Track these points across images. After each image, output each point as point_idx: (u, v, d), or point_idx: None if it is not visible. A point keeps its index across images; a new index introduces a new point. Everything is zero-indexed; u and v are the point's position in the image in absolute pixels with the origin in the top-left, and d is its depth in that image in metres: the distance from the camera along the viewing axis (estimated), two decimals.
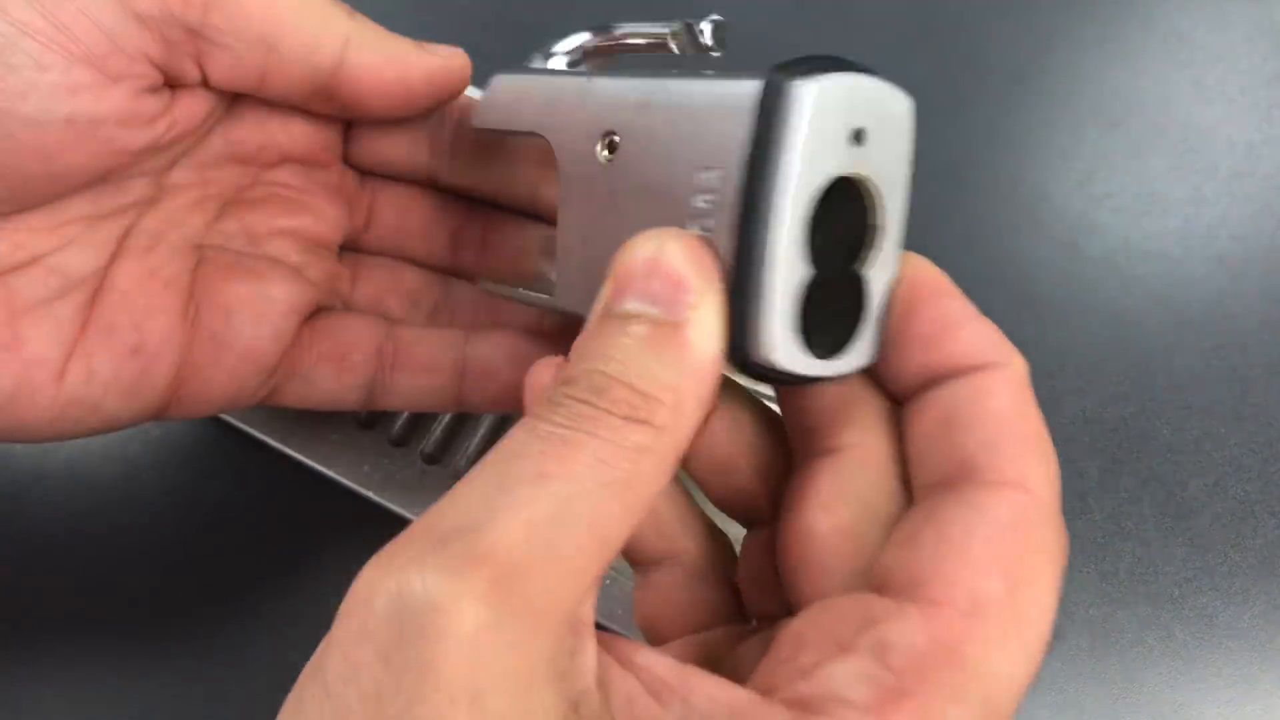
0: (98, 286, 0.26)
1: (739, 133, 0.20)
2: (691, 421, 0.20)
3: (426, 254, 0.32)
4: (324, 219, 0.30)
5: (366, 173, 0.31)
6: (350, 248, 0.31)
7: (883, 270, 0.21)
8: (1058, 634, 0.34)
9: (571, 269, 0.25)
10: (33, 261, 0.25)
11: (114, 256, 0.27)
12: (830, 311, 0.21)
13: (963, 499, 0.20)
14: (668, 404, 0.19)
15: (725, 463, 0.24)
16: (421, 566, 0.16)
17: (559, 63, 0.29)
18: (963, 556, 0.19)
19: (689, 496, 0.25)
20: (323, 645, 0.18)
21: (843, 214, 0.21)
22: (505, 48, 0.33)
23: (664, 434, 0.19)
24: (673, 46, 0.27)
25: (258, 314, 0.28)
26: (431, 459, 0.35)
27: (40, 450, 0.36)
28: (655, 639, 0.24)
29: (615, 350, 0.19)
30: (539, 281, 0.29)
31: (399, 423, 0.35)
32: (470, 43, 0.29)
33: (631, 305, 0.20)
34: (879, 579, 0.20)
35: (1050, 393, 0.37)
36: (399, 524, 0.35)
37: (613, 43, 0.29)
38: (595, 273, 0.22)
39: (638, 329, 0.20)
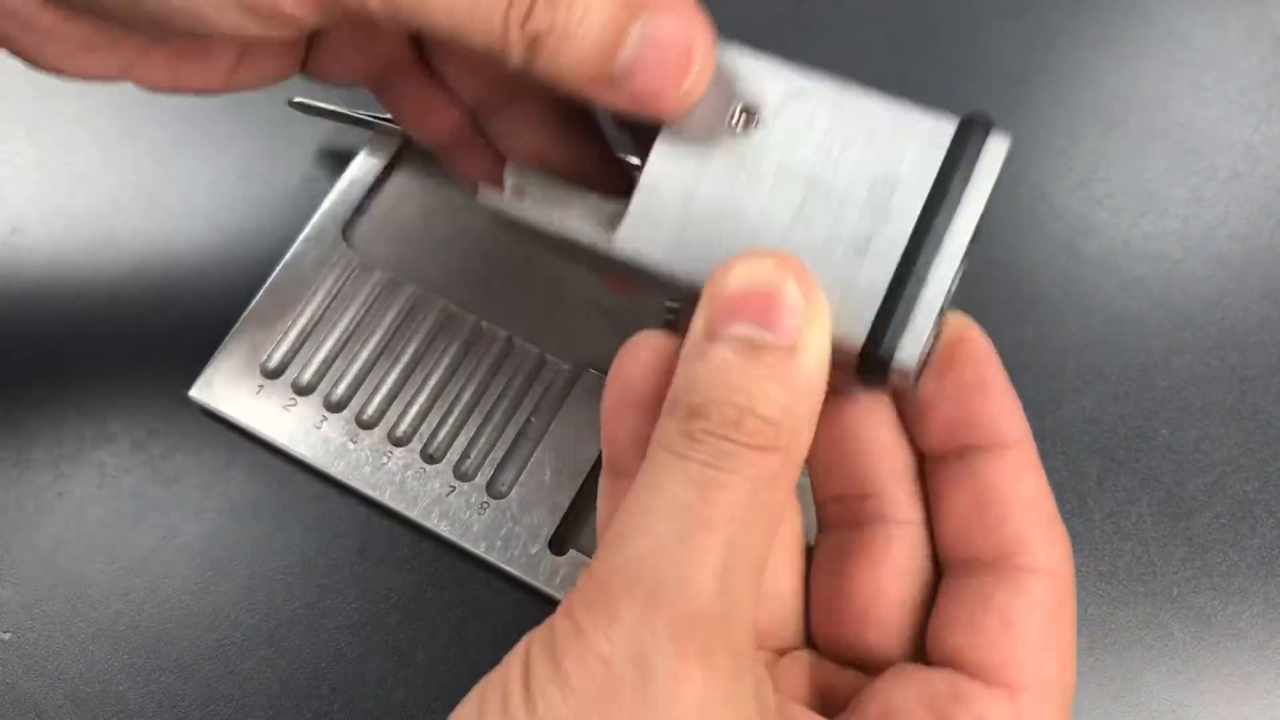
0: None
1: (929, 163, 0.23)
2: (805, 440, 0.21)
3: None
4: None
5: None
6: None
7: (954, 277, 0.24)
8: None
9: (652, 216, 0.24)
10: None
11: None
12: None
13: (1011, 585, 0.23)
14: (788, 426, 0.21)
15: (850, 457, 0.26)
16: (651, 630, 0.19)
17: None
18: (1026, 642, 0.22)
19: None
20: (535, 673, 0.20)
21: None
22: None
23: (790, 456, 0.21)
24: None
25: None
26: (431, 458, 0.35)
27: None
28: None
29: (739, 378, 0.21)
30: (522, 200, 0.26)
31: (399, 422, 0.35)
32: None
33: (743, 330, 0.21)
34: (949, 655, 0.23)
35: (1049, 393, 0.37)
36: (397, 522, 0.36)
37: None
38: (689, 230, 0.24)
39: (757, 356, 0.21)
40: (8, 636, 0.34)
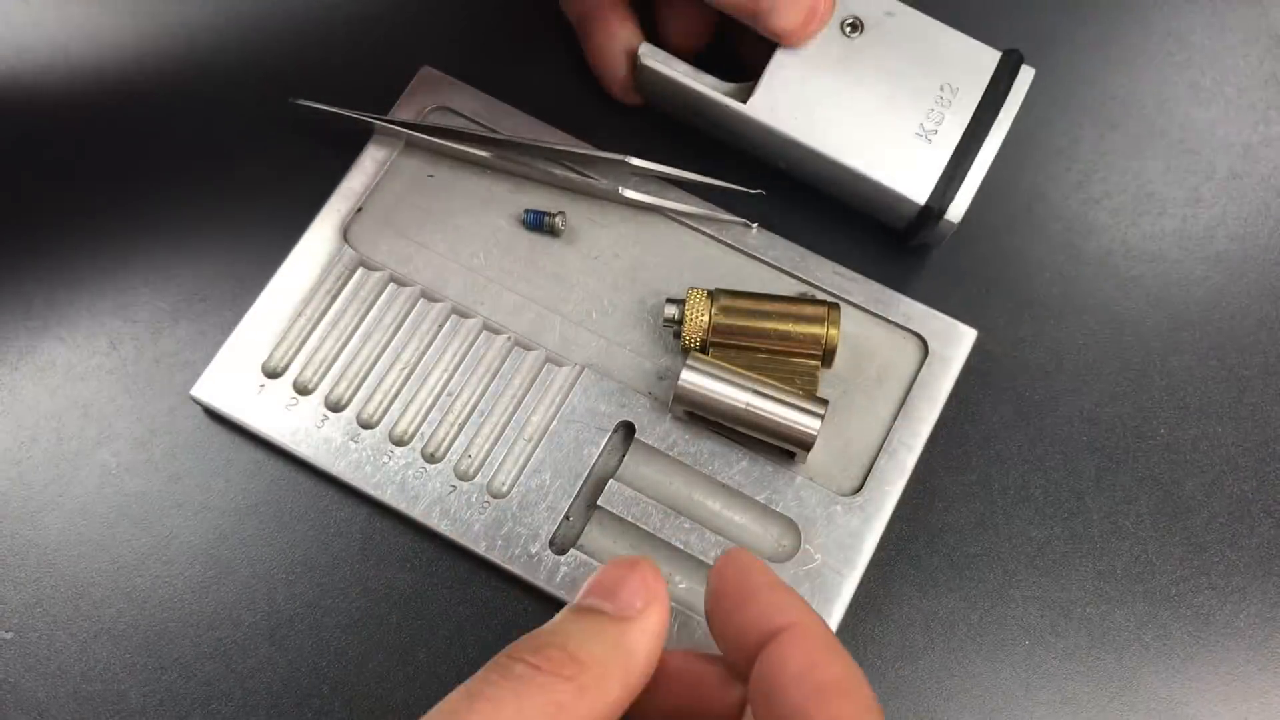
0: None
1: (982, 75, 0.35)
2: (610, 694, 0.23)
3: None
4: None
5: None
6: None
7: (990, 163, 0.35)
8: (1056, 632, 0.35)
9: (776, 89, 0.35)
10: None
11: None
12: None
13: None
14: (595, 671, 0.22)
15: None
16: None
17: None
18: None
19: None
20: None
21: None
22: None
23: (585, 694, 0.22)
24: None
25: None
26: (432, 458, 0.35)
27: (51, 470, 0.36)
28: None
29: (563, 623, 0.24)
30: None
31: (400, 421, 0.35)
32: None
33: (591, 600, 0.25)
34: None
35: (1047, 392, 0.37)
36: (398, 521, 0.36)
37: None
38: (800, 99, 0.34)
39: (591, 617, 0.24)
40: (10, 635, 0.34)
